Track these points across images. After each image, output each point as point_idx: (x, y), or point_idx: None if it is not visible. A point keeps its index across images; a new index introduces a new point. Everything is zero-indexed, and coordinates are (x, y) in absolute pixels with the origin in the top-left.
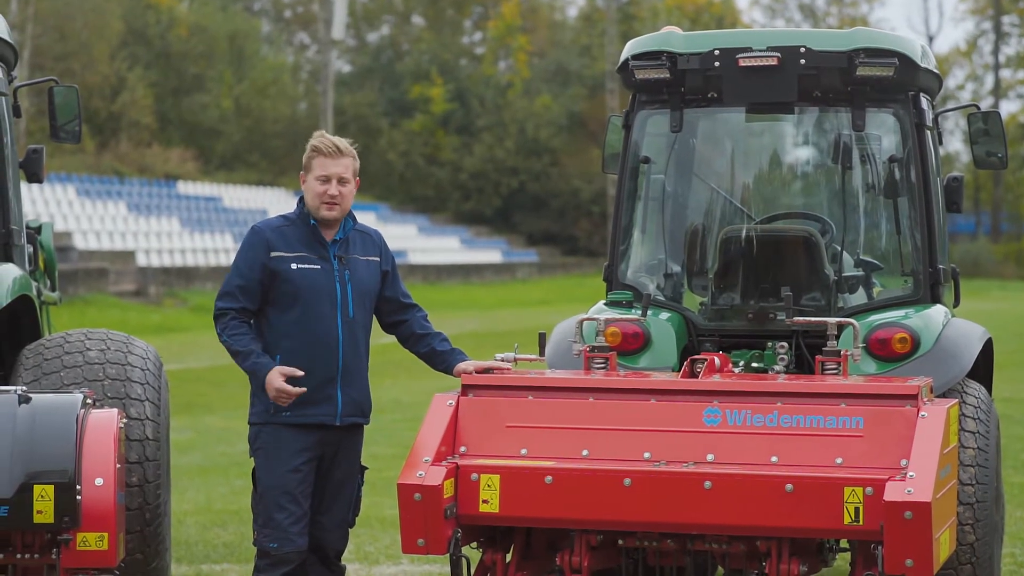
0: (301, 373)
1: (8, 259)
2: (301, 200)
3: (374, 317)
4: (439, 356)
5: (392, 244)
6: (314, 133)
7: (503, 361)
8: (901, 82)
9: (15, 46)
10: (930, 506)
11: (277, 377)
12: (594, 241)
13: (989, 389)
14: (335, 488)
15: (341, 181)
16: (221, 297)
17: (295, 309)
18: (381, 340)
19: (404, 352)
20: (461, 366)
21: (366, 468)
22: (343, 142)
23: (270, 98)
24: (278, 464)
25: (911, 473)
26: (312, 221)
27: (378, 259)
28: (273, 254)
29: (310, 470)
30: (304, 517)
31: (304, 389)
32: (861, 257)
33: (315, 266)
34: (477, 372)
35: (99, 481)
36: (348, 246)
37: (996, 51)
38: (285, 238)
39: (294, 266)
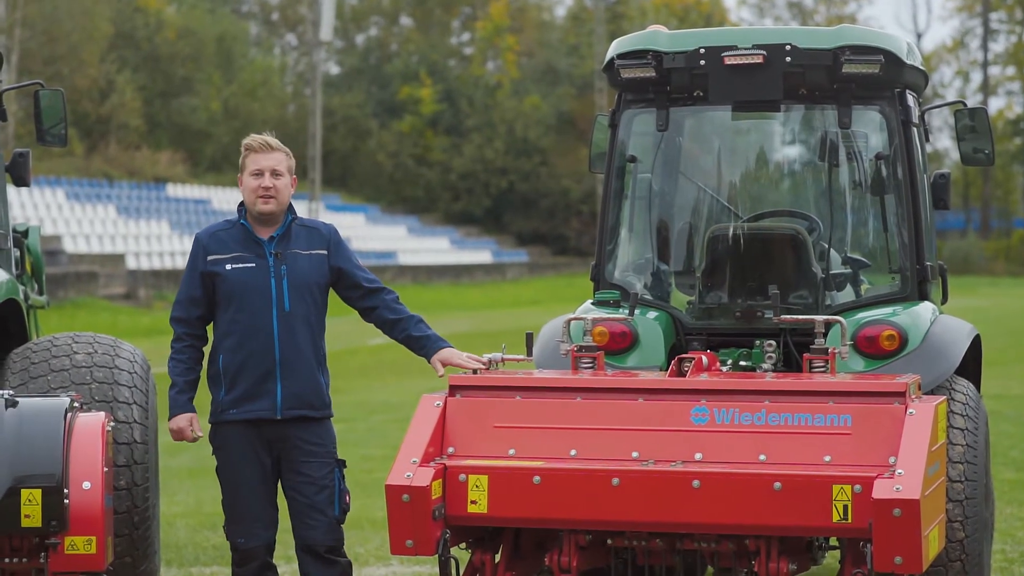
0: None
1: None
2: (242, 204)
3: (345, 310)
4: (415, 342)
5: (382, 245)
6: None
7: (490, 361)
8: (887, 79)
9: (0, 50)
10: (919, 503)
11: (183, 419)
12: (584, 241)
13: (977, 386)
14: (302, 483)
15: (274, 174)
16: (174, 305)
17: (231, 308)
18: (375, 340)
19: (395, 353)
20: (439, 358)
21: (343, 461)
22: (273, 139)
23: (259, 100)
24: (232, 460)
25: (900, 470)
26: (245, 223)
27: (324, 252)
28: (209, 258)
29: (266, 465)
30: (267, 511)
31: (199, 435)
32: (848, 255)
33: (249, 264)
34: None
35: (87, 485)
36: (288, 241)
37: (984, 47)
38: (221, 241)
39: (228, 267)
